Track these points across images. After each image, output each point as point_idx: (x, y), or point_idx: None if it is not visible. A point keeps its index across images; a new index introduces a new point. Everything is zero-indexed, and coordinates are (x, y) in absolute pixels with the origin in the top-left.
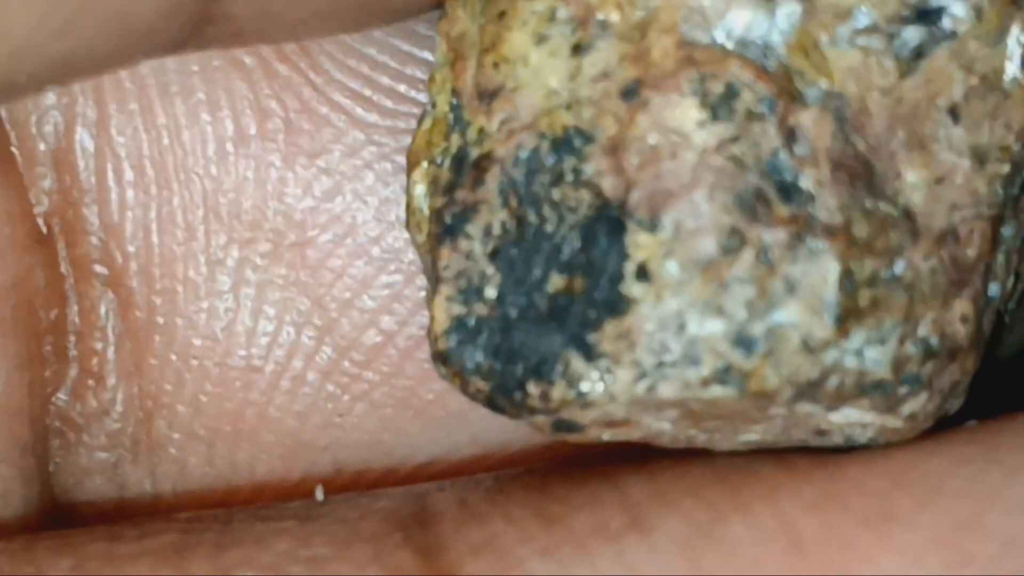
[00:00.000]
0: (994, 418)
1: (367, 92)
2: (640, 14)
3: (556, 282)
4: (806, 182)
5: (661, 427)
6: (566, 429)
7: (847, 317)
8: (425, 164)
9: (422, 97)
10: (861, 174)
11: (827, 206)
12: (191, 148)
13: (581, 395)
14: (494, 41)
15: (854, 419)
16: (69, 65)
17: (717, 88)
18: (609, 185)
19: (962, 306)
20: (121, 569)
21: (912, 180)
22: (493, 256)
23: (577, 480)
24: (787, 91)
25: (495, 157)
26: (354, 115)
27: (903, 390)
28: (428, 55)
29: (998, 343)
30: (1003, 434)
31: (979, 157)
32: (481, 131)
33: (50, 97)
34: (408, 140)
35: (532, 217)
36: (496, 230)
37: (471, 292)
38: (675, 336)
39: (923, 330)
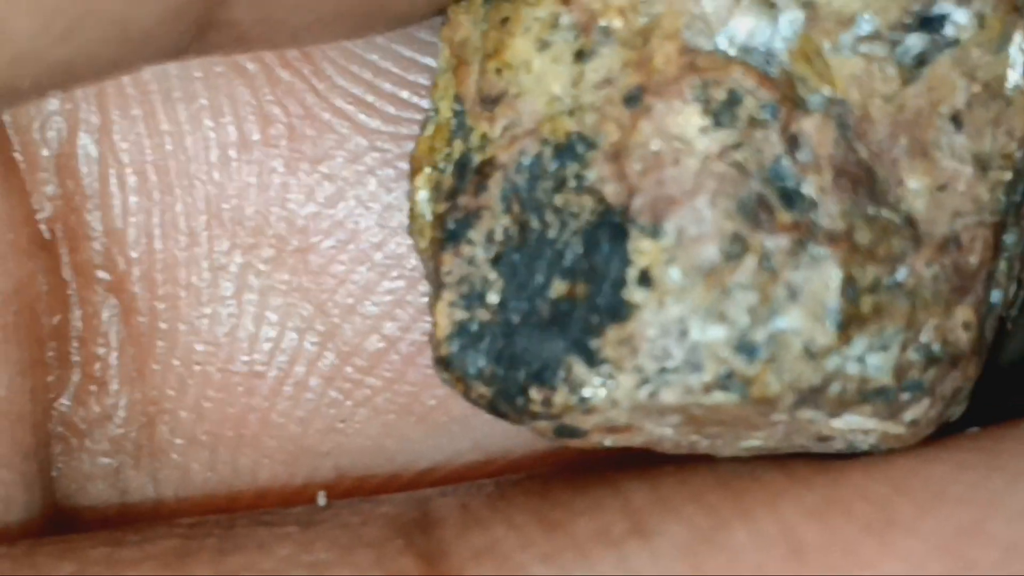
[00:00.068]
0: (996, 424)
1: (370, 98)
2: (643, 21)
3: (558, 288)
4: (808, 189)
5: (663, 433)
6: (568, 435)
7: (849, 323)
8: (428, 170)
9: (425, 103)
10: (863, 181)
11: (829, 213)
12: (194, 154)
13: (583, 400)
14: (497, 47)
15: (856, 425)
16: (71, 70)
17: (720, 95)
18: (612, 191)
19: (964, 313)
20: (123, 574)
21: (914, 187)
22: (495, 261)
23: (579, 486)
24: (789, 98)
25: (498, 163)
26: (357, 121)
27: (905, 396)
28: (431, 61)
29: (1000, 350)
30: (1005, 440)
31: (981, 164)
32: (484, 137)
33: (53, 103)
34: (411, 146)
35: (535, 223)
36: (498, 236)
37: (473, 297)
38: (677, 342)
39: (925, 337)
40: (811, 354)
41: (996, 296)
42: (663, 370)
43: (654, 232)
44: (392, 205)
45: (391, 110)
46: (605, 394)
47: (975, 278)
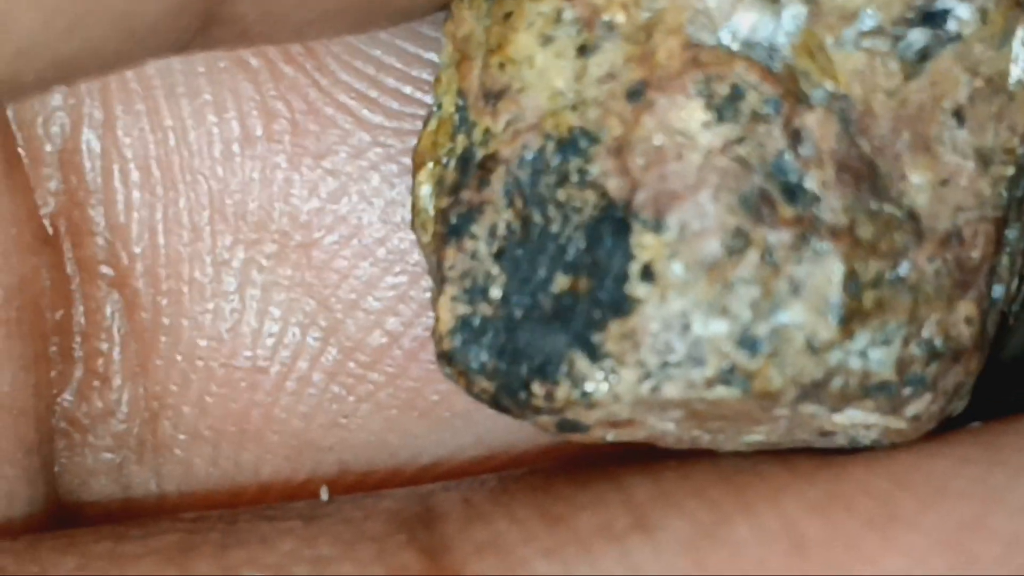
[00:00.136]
0: (998, 419)
1: (373, 93)
2: (646, 15)
3: (561, 282)
4: (811, 183)
5: (665, 427)
6: (570, 429)
7: (851, 318)
8: (431, 165)
9: (428, 98)
10: (866, 176)
11: (832, 207)
12: (197, 149)
13: (585, 395)
14: (500, 42)
15: (858, 420)
16: (75, 64)
17: (722, 89)
18: (614, 186)
19: (966, 308)
20: (126, 569)
21: (917, 182)
22: (498, 256)
23: (581, 480)
24: (792, 93)
25: (500, 158)
26: (360, 116)
27: (907, 391)
28: (434, 56)
29: (1002, 345)
30: (1007, 435)
31: (984, 159)
32: (487, 132)
33: (56, 98)
34: (414, 141)
35: (537, 217)
36: (501, 230)
37: (476, 292)
38: (679, 336)
39: (927, 331)
40: (813, 348)
41: (998, 291)
42: (665, 364)
43: (657, 227)
44: (395, 200)
45: (394, 105)
46: (607, 388)
47: (977, 273)
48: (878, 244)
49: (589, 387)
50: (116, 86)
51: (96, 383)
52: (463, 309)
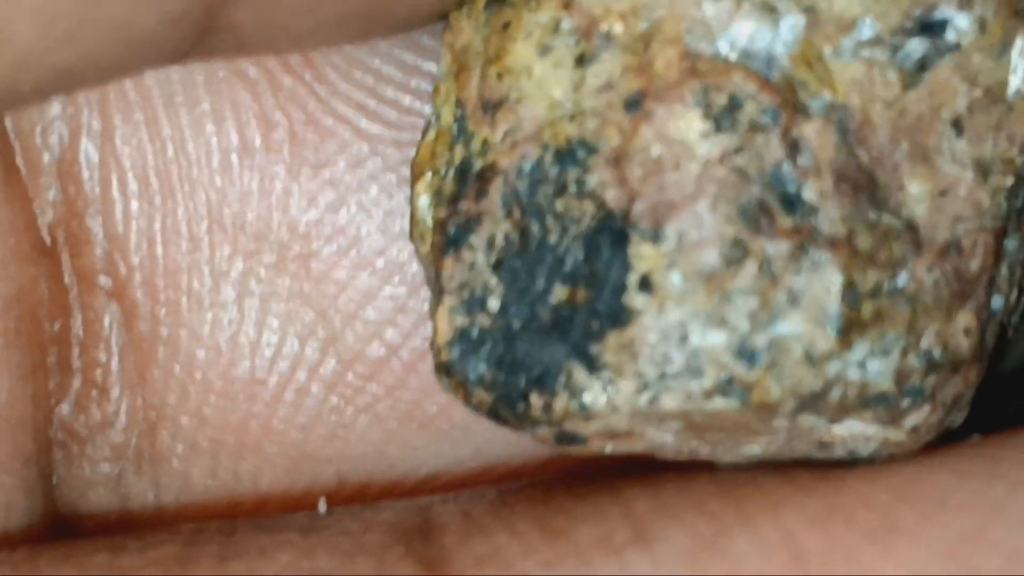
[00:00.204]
0: (998, 432)
1: (372, 104)
2: (644, 25)
3: (559, 293)
4: (809, 193)
5: (664, 439)
6: (569, 441)
7: (850, 329)
8: (429, 175)
9: (426, 109)
10: (864, 186)
11: (830, 217)
12: (196, 159)
13: (584, 406)
14: (498, 52)
15: (857, 431)
16: (73, 74)
17: (720, 99)
18: (612, 196)
19: (965, 318)
20: None
21: (915, 192)
22: (496, 267)
23: (580, 493)
24: (790, 102)
25: (499, 168)
26: (359, 127)
27: (906, 402)
28: (432, 67)
29: (1001, 356)
30: (1007, 448)
31: (982, 170)
32: (485, 142)
33: (55, 108)
34: (412, 152)
35: (535, 228)
36: (499, 241)
37: (474, 303)
38: (678, 347)
39: (926, 342)
40: (812, 359)
41: (997, 302)
42: (663, 376)
43: (655, 237)
44: (394, 211)
45: (393, 116)
46: (605, 400)
47: (976, 284)
48: (876, 254)
49: (587, 398)
50: (115, 96)
51: (94, 394)
52: (461, 320)
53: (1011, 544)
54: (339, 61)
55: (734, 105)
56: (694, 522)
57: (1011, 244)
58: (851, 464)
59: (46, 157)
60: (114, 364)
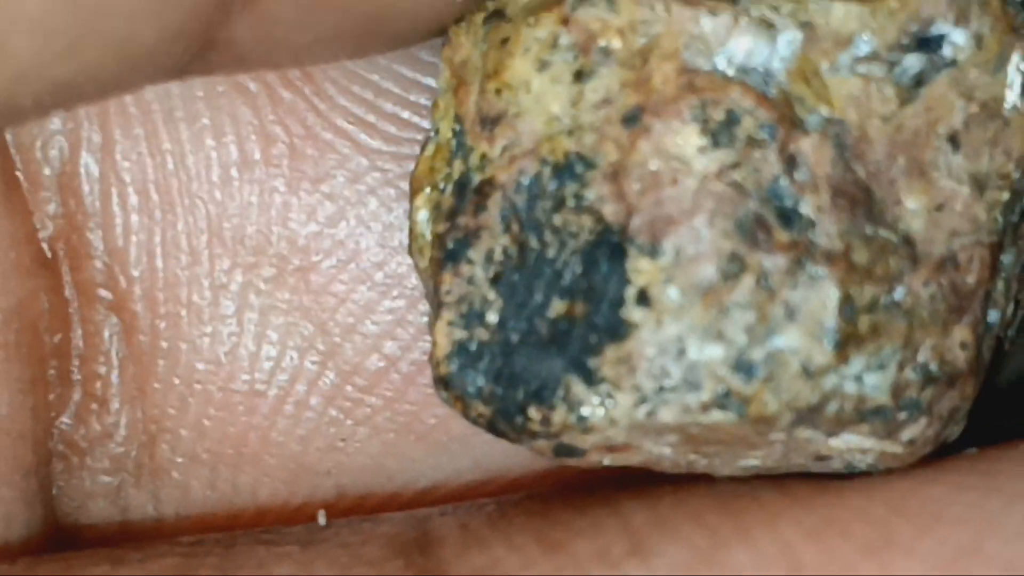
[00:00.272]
0: (994, 445)
1: (371, 118)
2: (641, 41)
3: (557, 307)
4: (806, 208)
5: (661, 452)
6: (567, 454)
7: (847, 343)
8: (428, 190)
9: (425, 123)
10: (861, 200)
11: (827, 232)
12: (195, 173)
13: (582, 419)
14: (496, 67)
15: (854, 445)
16: (73, 89)
17: (718, 115)
18: (610, 211)
19: (961, 332)
20: None
21: (912, 207)
22: (495, 281)
23: (578, 506)
24: (788, 118)
25: (497, 183)
26: (358, 141)
27: (902, 416)
28: (431, 81)
29: (998, 370)
30: (1003, 462)
31: (979, 184)
32: (483, 157)
33: (55, 122)
34: (411, 166)
35: (533, 242)
36: (498, 255)
37: (472, 317)
38: (675, 361)
39: (922, 356)
40: (808, 373)
41: (993, 316)
42: (661, 389)
43: (652, 251)
44: (392, 225)
45: (392, 130)
46: (603, 413)
47: (972, 298)
48: (873, 269)
49: (585, 411)
50: (115, 110)
51: (94, 406)
52: (460, 334)
53: (1007, 557)
54: (338, 75)
55: (731, 120)
56: (691, 535)
57: (1007, 258)
58: (848, 477)
59: (46, 171)
60: (114, 377)
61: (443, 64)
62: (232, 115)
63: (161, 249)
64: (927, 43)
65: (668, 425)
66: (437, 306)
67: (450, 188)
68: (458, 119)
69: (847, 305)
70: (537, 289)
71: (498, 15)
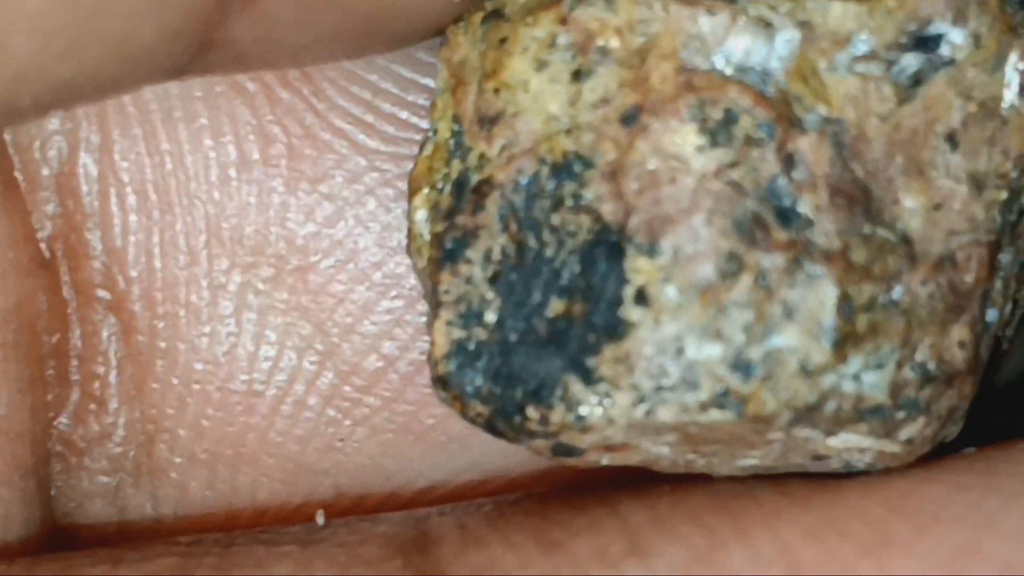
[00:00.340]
0: (992, 445)
1: (369, 118)
2: (640, 40)
3: (555, 306)
4: (804, 207)
5: (660, 451)
6: (565, 453)
7: (845, 342)
8: (426, 189)
9: (424, 123)
10: (859, 199)
11: (825, 231)
12: (194, 173)
13: (580, 419)
14: (495, 67)
15: (852, 444)
16: (72, 89)
17: (716, 114)
18: (608, 210)
19: (960, 332)
20: None
21: (910, 206)
22: (493, 281)
23: (577, 505)
24: (786, 117)
25: (495, 182)
26: (356, 141)
27: (900, 415)
28: (430, 81)
29: (996, 370)
30: (1001, 461)
31: (977, 183)
32: (481, 156)
33: (54, 122)
34: (410, 166)
35: (532, 242)
36: (496, 255)
37: (471, 316)
38: (673, 360)
39: (921, 355)
40: (807, 372)
41: (992, 315)
42: (659, 388)
43: (650, 251)
44: (391, 225)
45: (390, 130)
46: (602, 412)
47: (970, 297)
48: (871, 268)
49: (583, 411)
50: (113, 110)
51: (92, 406)
52: (458, 333)
53: (1005, 557)
54: (337, 76)
55: (729, 119)
56: (690, 535)
57: (1005, 257)
58: (846, 476)
59: (45, 171)
60: (112, 377)
61: (441, 64)
62: (230, 115)
63: (159, 249)
64: (925, 42)
65: (666, 424)
66: (435, 306)
67: (448, 188)
68: (456, 119)
69: (845, 304)
70: (535, 288)
71: (496, 15)
